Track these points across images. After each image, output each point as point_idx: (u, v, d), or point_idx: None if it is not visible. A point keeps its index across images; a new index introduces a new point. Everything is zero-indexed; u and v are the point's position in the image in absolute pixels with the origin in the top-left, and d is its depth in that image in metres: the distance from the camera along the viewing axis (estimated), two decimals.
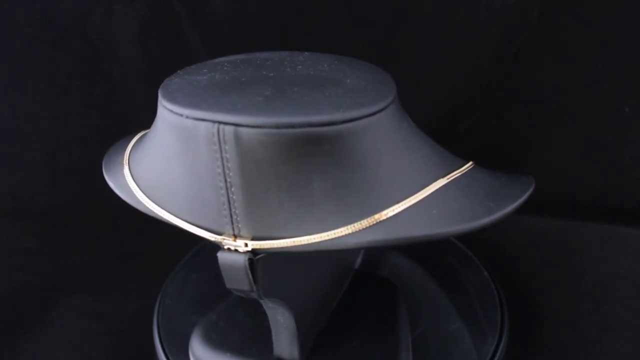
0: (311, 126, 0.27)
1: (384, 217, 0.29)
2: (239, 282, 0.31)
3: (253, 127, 0.27)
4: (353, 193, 0.29)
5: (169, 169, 0.31)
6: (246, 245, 0.30)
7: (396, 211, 0.29)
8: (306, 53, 0.37)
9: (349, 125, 0.28)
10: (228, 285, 0.31)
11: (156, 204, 0.32)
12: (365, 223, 0.29)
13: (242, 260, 0.30)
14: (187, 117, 0.28)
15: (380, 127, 0.30)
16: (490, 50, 0.57)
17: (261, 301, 0.34)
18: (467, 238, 0.51)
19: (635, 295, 0.48)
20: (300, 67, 0.33)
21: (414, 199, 0.30)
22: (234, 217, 0.29)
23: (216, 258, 0.49)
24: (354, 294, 0.43)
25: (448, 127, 0.60)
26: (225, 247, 0.30)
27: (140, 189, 0.33)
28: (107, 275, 0.53)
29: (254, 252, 0.30)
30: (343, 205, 0.29)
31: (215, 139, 0.28)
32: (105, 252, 0.56)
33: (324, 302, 0.41)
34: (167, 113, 0.30)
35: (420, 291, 0.47)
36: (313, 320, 0.39)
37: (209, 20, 0.58)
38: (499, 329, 0.43)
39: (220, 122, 0.27)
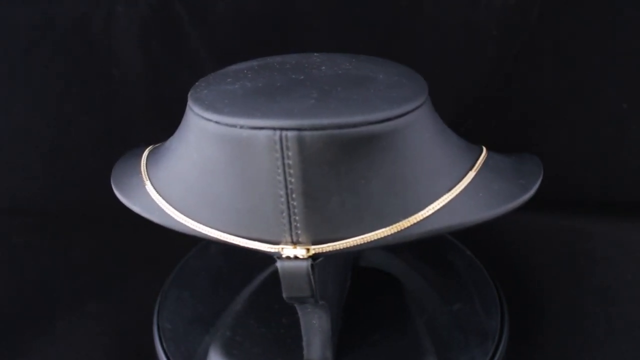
0: (371, 124, 0.28)
1: (439, 206, 0.30)
2: (300, 289, 0.30)
3: (317, 129, 0.27)
4: (408, 185, 0.30)
5: (213, 183, 0.30)
6: (308, 250, 0.29)
7: (448, 199, 0.30)
8: (316, 54, 0.36)
9: (402, 119, 0.29)
10: (287, 294, 0.31)
11: (198, 222, 0.31)
12: (423, 214, 0.30)
13: (304, 266, 0.29)
14: (241, 127, 0.28)
15: (424, 119, 0.31)
16: (491, 50, 0.57)
17: (300, 306, 0.34)
18: (469, 238, 0.51)
19: (636, 297, 0.48)
20: (324, 67, 0.33)
21: (461, 185, 0.31)
22: (293, 224, 0.29)
23: (203, 273, 0.48)
24: (357, 289, 0.44)
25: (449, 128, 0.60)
26: (284, 255, 0.30)
27: (175, 209, 0.32)
28: (107, 275, 0.53)
29: (313, 256, 0.30)
30: (400, 199, 0.30)
31: (277, 146, 0.27)
32: (105, 252, 0.56)
33: (339, 300, 0.41)
34: (213, 125, 0.29)
35: (413, 283, 0.46)
36: (336, 320, 0.39)
37: (210, 21, 0.58)
38: (499, 307, 0.44)
39: (282, 129, 0.27)
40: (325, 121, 0.27)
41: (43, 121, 0.61)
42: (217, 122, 0.29)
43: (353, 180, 0.29)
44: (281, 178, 0.28)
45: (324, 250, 0.29)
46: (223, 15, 0.58)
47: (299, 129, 0.27)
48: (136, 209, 0.34)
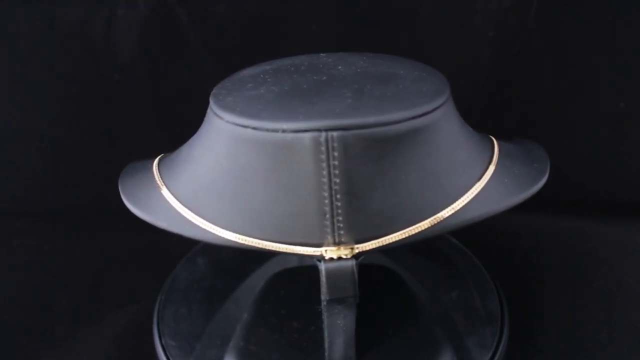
0: (413, 118, 0.28)
1: (473, 195, 0.31)
2: (343, 289, 0.30)
3: (362, 128, 0.27)
4: (443, 177, 0.30)
5: (248, 191, 0.30)
6: (352, 250, 0.29)
7: (480, 187, 0.31)
8: (323, 54, 0.36)
9: (437, 112, 0.30)
10: (330, 296, 0.30)
11: (233, 231, 0.30)
12: (459, 204, 0.30)
13: (349, 266, 0.29)
14: (284, 131, 0.27)
15: (452, 111, 0.32)
16: (490, 50, 0.57)
17: (328, 307, 0.33)
18: (469, 238, 0.51)
19: (637, 297, 0.48)
20: (340, 67, 0.33)
21: (488, 173, 0.32)
22: (336, 224, 0.29)
23: (195, 286, 0.47)
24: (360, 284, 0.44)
25: None
26: (327, 257, 0.29)
27: (206, 220, 0.31)
28: (108, 276, 0.53)
29: (356, 255, 0.30)
30: (437, 191, 0.30)
31: (323, 147, 0.27)
32: (106, 253, 0.56)
33: None
34: (250, 132, 0.28)
35: (407, 274, 0.46)
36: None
37: (210, 22, 0.58)
38: (495, 289, 0.44)
39: (327, 129, 0.27)
40: (370, 119, 0.27)
41: (44, 122, 0.61)
42: (255, 129, 0.28)
43: (394, 176, 0.29)
44: (326, 179, 0.28)
45: (367, 249, 0.29)
46: (223, 16, 0.58)
47: (344, 129, 0.27)
48: (162, 224, 0.32)
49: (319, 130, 0.27)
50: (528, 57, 0.57)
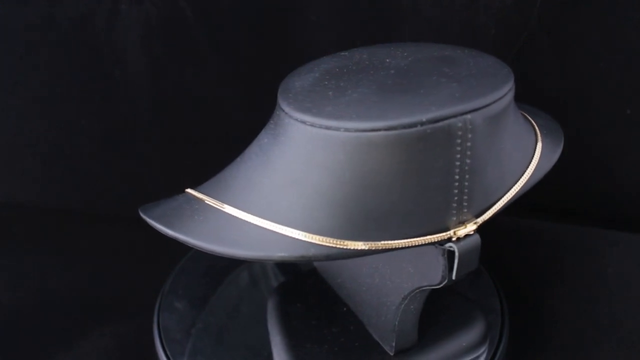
0: (510, 91, 0.31)
1: (541, 149, 0.34)
2: (470, 264, 0.31)
3: (485, 107, 0.29)
4: (522, 138, 0.33)
5: (376, 195, 0.29)
6: (476, 223, 0.30)
7: (540, 142, 0.35)
8: (344, 52, 0.36)
9: (513, 87, 0.32)
10: (458, 275, 0.31)
11: (361, 241, 0.29)
12: (536, 158, 0.33)
13: (477, 240, 0.31)
14: (422, 124, 0.28)
15: None
16: (490, 50, 0.57)
17: (413, 292, 0.34)
18: None
19: (635, 298, 0.48)
20: (388, 60, 0.34)
21: (537, 129, 0.36)
22: (462, 204, 0.30)
23: (195, 331, 0.44)
24: None
25: None
26: (455, 238, 0.30)
27: (334, 238, 0.29)
28: (107, 276, 0.53)
29: (477, 229, 0.31)
30: (521, 152, 0.33)
31: (460, 132, 0.28)
32: (106, 252, 0.56)
33: None
34: (384, 134, 0.27)
35: None
36: None
37: (215, 19, 0.58)
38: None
39: (461, 114, 0.28)
40: (489, 98, 0.29)
41: (44, 121, 0.61)
42: (387, 129, 0.28)
43: (498, 146, 0.31)
44: (458, 162, 0.29)
45: (485, 219, 0.31)
46: (228, 13, 0.57)
47: (474, 110, 0.29)
48: (280, 255, 0.29)
49: (454, 116, 0.28)
50: (530, 56, 0.57)
